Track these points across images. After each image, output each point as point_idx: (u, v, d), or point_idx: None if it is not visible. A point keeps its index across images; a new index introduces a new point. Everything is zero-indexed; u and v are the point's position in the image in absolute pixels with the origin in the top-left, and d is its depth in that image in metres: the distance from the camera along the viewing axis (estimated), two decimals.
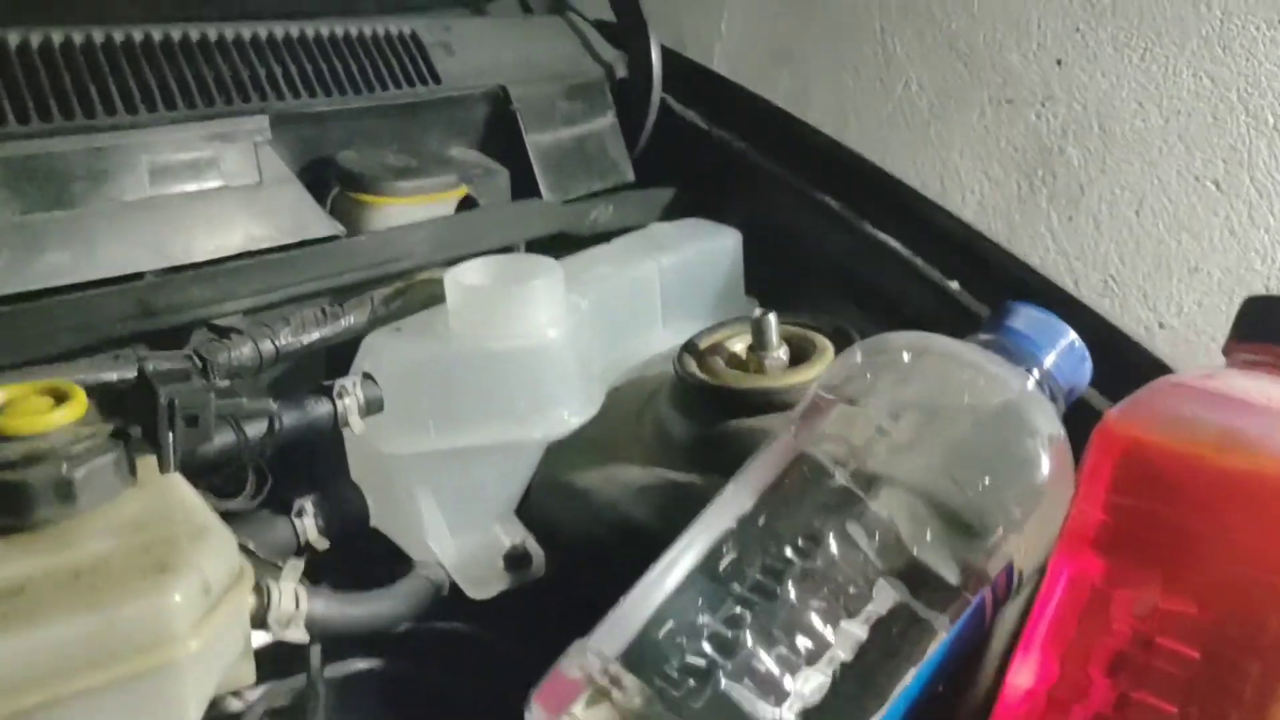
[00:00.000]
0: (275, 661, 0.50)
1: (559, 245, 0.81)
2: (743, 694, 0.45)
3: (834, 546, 0.48)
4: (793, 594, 0.47)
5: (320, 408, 0.63)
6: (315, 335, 0.66)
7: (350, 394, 0.64)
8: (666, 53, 0.95)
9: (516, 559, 0.67)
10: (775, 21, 1.48)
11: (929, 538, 0.48)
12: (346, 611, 0.51)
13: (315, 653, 0.50)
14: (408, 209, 0.72)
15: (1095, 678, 0.46)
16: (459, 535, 0.67)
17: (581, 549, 0.66)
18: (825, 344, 0.69)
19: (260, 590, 0.45)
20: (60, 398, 0.44)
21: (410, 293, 0.72)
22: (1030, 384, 0.52)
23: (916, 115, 1.34)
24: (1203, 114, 1.09)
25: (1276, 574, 0.43)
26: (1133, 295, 1.18)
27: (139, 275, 0.59)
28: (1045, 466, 0.49)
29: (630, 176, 0.92)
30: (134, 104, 0.62)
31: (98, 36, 0.64)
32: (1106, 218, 1.19)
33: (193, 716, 0.38)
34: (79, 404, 0.44)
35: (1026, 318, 0.54)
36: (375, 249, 0.68)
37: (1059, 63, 1.19)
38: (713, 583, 0.48)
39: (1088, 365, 0.55)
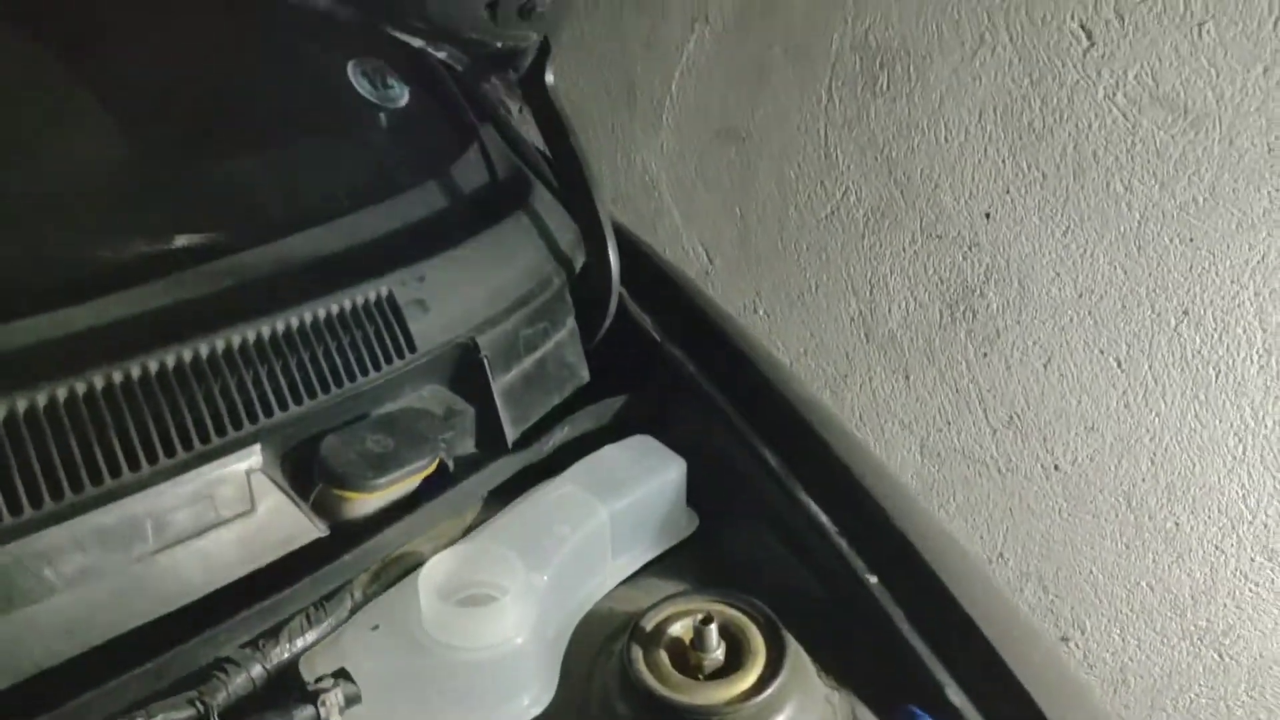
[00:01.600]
0: None
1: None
2: None
3: None
4: None
5: (304, 713, 0.71)
6: (300, 646, 0.73)
7: (330, 699, 0.71)
8: (625, 242, 1.00)
9: None
10: (725, 97, 1.51)
11: None
12: None
13: None
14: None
15: None
16: None
17: None
18: (758, 644, 0.78)
19: None
20: None
21: (386, 573, 0.79)
22: None
23: (853, 223, 1.41)
24: (1113, 299, 1.18)
25: None
26: (1034, 436, 1.28)
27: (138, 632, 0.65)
28: None
29: (585, 377, 0.98)
30: (136, 458, 0.66)
31: (83, 387, 0.66)
32: (1018, 364, 1.28)
33: None
34: None
35: None
36: (360, 558, 0.74)
37: (987, 216, 1.26)
38: None
39: None
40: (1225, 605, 1.25)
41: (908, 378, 1.39)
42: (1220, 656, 1.24)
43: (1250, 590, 1.24)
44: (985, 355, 1.31)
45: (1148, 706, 1.24)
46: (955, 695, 0.75)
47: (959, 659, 0.77)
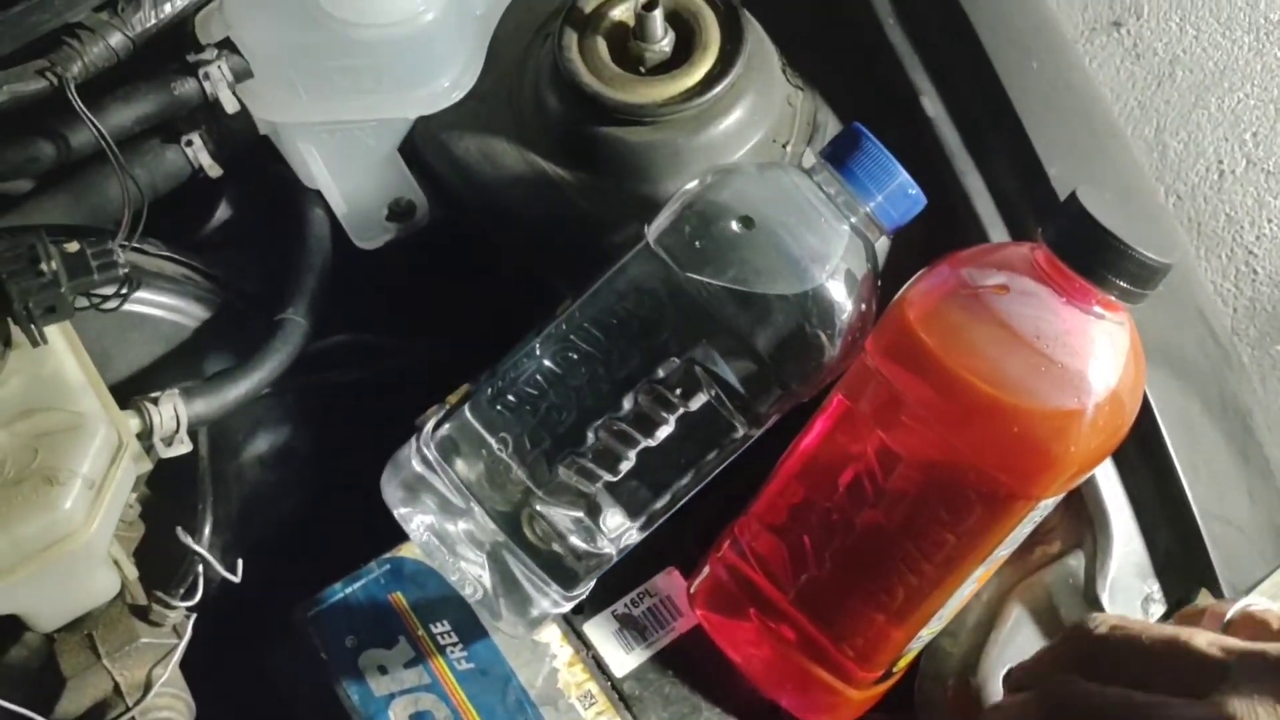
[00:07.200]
0: None
1: None
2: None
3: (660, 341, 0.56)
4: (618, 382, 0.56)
5: (186, 86, 0.64)
6: (169, 11, 0.63)
7: (216, 70, 0.63)
8: None
9: (401, 211, 0.72)
10: None
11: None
12: (226, 399, 0.57)
13: (202, 445, 0.58)
14: None
15: (839, 484, 0.59)
16: (346, 186, 0.71)
17: (455, 215, 0.71)
18: (713, 34, 0.66)
19: (142, 416, 0.52)
20: None
21: None
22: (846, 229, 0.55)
23: None
24: None
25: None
26: None
27: None
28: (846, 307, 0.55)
29: None
30: None
31: None
32: None
33: (101, 569, 0.49)
34: None
35: (862, 156, 0.55)
36: None
37: None
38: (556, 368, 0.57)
39: (918, 199, 0.56)
40: None
41: None
42: None
43: None
44: None
45: (1190, 104, 1.12)
46: (931, 106, 0.65)
47: (945, 65, 0.65)
